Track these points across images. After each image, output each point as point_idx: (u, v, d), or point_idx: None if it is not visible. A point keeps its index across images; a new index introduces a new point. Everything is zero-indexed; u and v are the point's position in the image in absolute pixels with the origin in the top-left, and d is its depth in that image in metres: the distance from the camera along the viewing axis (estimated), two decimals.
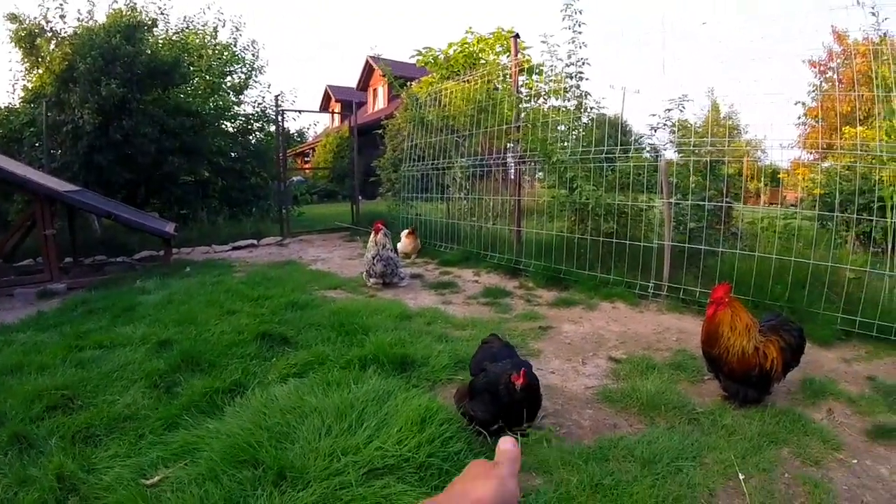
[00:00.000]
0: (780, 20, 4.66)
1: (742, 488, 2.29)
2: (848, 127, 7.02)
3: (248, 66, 14.64)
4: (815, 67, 8.66)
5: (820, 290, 4.43)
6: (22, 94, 11.29)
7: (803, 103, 8.50)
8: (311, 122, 57.49)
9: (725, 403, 3.07)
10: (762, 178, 5.83)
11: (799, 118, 9.10)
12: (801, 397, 3.20)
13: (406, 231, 8.21)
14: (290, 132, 17.16)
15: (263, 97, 14.76)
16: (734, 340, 2.99)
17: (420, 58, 11.70)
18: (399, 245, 7.76)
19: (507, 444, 0.86)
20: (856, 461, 2.52)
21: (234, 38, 14.51)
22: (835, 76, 8.71)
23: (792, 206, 6.90)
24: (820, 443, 2.65)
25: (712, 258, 5.20)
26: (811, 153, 6.46)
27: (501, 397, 2.42)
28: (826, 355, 3.95)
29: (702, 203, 5.21)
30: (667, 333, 4.42)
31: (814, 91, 8.40)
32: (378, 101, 29.87)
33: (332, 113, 29.43)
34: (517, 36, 7.60)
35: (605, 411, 3.09)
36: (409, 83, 11.53)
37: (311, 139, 32.79)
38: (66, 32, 10.84)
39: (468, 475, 0.79)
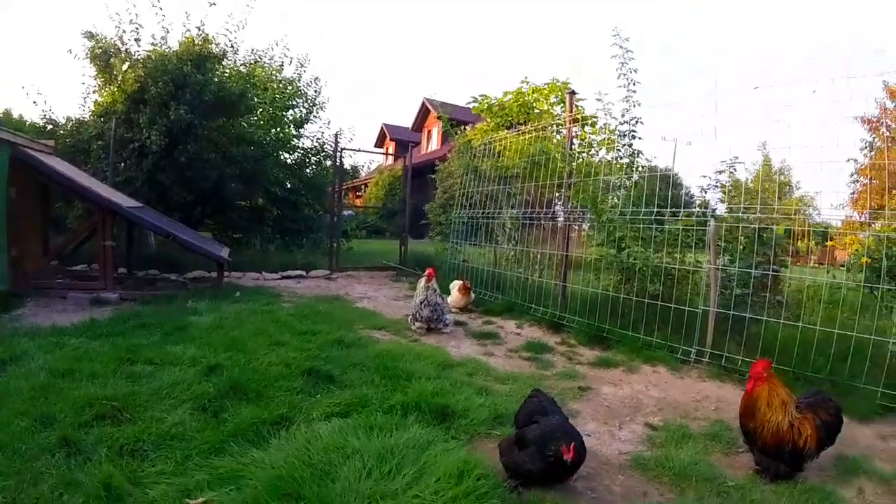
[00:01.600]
0: (835, 80, 4.68)
1: None
2: None
3: (309, 101, 15.16)
4: (867, 125, 8.53)
5: (862, 363, 4.34)
6: (93, 109, 11.77)
7: (855, 160, 8.34)
8: (367, 160, 58.63)
9: (757, 478, 3.04)
10: (811, 237, 5.76)
11: (851, 175, 8.91)
12: (832, 474, 3.14)
13: (458, 283, 7.98)
14: (346, 167, 17.64)
15: (322, 132, 15.27)
16: (770, 416, 3.01)
17: (476, 105, 12.04)
18: (450, 299, 7.59)
19: None
20: None
21: (299, 74, 15.09)
22: (886, 132, 8.56)
23: (841, 266, 6.77)
24: None
25: (756, 326, 5.14)
26: (861, 214, 6.35)
27: (548, 459, 2.56)
28: (863, 431, 3.86)
29: (748, 270, 5.21)
30: (705, 402, 4.40)
31: (865, 147, 8.25)
32: (432, 142, 30.50)
33: (387, 153, 30.11)
34: (573, 92, 7.78)
35: (636, 478, 3.10)
36: (463, 127, 11.84)
37: (363, 175, 33.55)
38: (139, 55, 11.37)
39: None
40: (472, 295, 8.05)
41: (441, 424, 3.43)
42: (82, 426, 3.09)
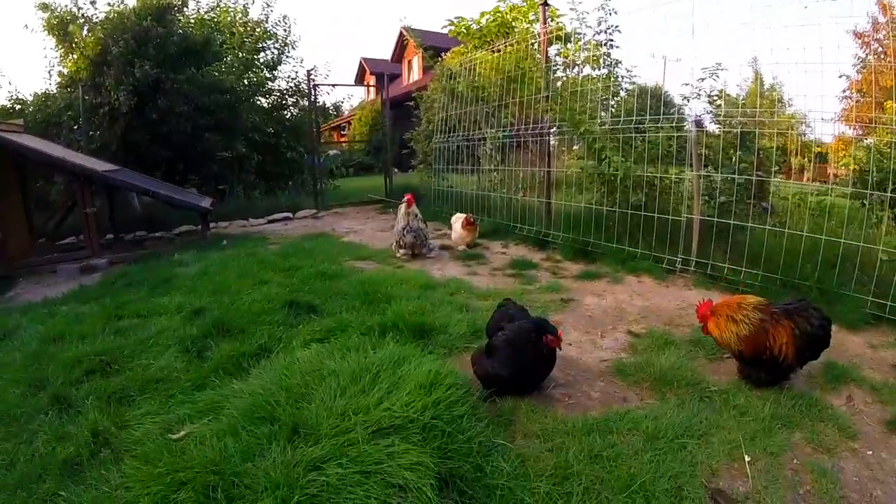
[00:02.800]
0: None
1: (746, 470, 2.28)
2: (891, 102, 6.71)
3: (280, 41, 14.68)
4: (859, 39, 8.26)
5: (851, 272, 4.22)
6: (58, 80, 11.56)
7: (847, 76, 8.13)
8: (346, 96, 57.47)
9: (741, 383, 3.02)
10: (805, 154, 5.64)
11: (843, 91, 8.70)
12: (820, 381, 3.08)
13: (460, 217, 7.06)
14: (326, 106, 17.26)
15: (297, 72, 14.77)
16: (725, 335, 3.00)
17: (452, 28, 11.62)
18: (454, 235, 6.98)
19: None
20: (871, 452, 2.42)
21: (266, 15, 14.56)
22: (879, 48, 8.31)
23: (835, 183, 6.68)
24: (835, 430, 2.56)
25: (742, 234, 5.07)
26: (853, 128, 6.19)
27: (522, 352, 2.65)
28: (852, 339, 3.78)
29: (732, 176, 5.10)
30: (690, 310, 4.31)
31: (858, 64, 8.01)
32: (413, 72, 29.72)
33: (367, 86, 29.42)
34: (546, 3, 7.47)
35: (616, 384, 3.10)
36: (442, 54, 11.46)
37: (347, 112, 32.89)
38: (97, 17, 11.05)
39: None
40: (479, 228, 7.26)
41: (419, 342, 3.44)
42: (73, 383, 3.17)
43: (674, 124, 5.67)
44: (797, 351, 2.83)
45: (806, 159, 5.83)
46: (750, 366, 2.99)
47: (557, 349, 2.81)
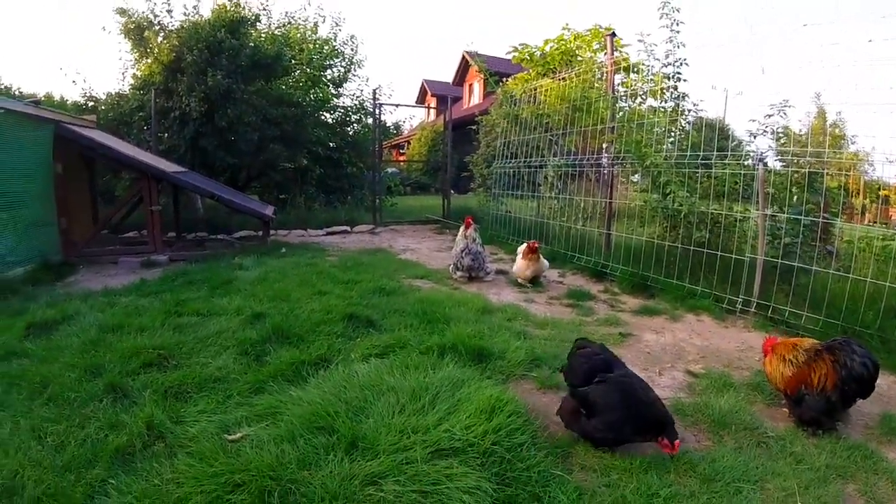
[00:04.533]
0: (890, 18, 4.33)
1: None
2: None
3: (347, 60, 15.18)
4: None
5: None
6: (131, 82, 12.13)
7: None
8: (407, 116, 58.44)
9: (798, 430, 2.96)
10: (867, 194, 5.48)
11: None
12: (877, 433, 2.99)
13: (523, 247, 6.40)
14: (387, 125, 17.70)
15: (361, 90, 15.36)
16: (775, 372, 3.12)
17: (516, 54, 11.75)
18: (515, 267, 6.42)
19: None
20: None
21: (335, 34, 15.12)
22: None
23: None
24: (889, 483, 2.49)
25: (805, 276, 4.95)
26: None
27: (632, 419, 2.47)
28: None
29: (798, 217, 4.99)
30: (750, 352, 4.27)
31: None
32: (474, 96, 30.04)
33: (428, 108, 29.82)
34: (613, 34, 7.52)
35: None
36: (504, 79, 11.59)
37: (406, 132, 33.43)
38: (173, 26, 11.60)
39: None
40: (544, 262, 6.41)
41: (477, 365, 3.48)
42: (129, 374, 3.27)
43: (740, 161, 5.60)
44: (838, 384, 2.82)
45: (868, 200, 5.65)
46: (796, 404, 3.00)
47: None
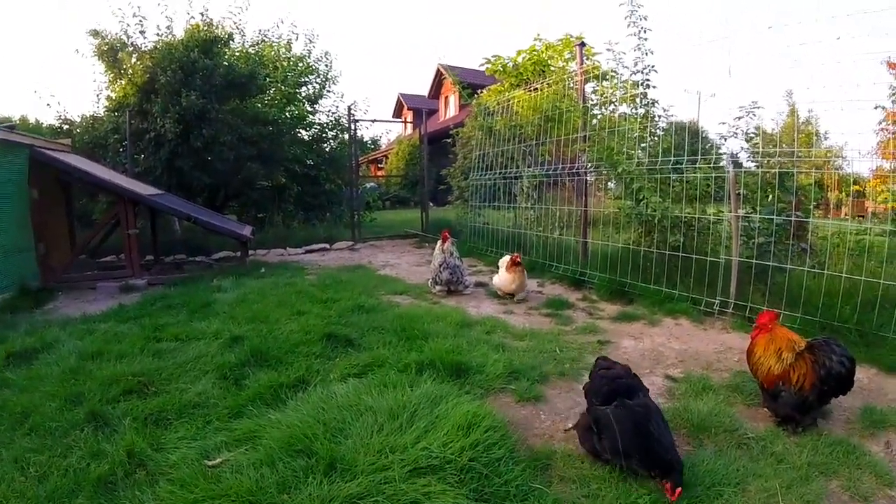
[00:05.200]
0: (856, 17, 4.43)
1: None
2: None
3: (322, 76, 15.20)
4: (894, 69, 8.10)
5: (891, 312, 4.14)
6: (106, 104, 12.04)
7: (883, 107, 7.96)
8: (384, 130, 58.49)
9: (779, 430, 2.97)
10: (842, 189, 5.55)
11: (879, 123, 8.48)
12: (858, 427, 3.02)
13: (506, 259, 6.23)
14: (364, 140, 17.72)
15: (337, 106, 15.35)
16: (763, 361, 3.07)
17: (489, 66, 11.81)
18: (497, 279, 6.25)
19: None
20: None
21: (308, 50, 15.11)
22: None
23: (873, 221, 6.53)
24: (872, 477, 2.50)
25: (781, 275, 5.00)
26: (891, 162, 6.07)
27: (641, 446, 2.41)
28: (892, 383, 3.67)
29: (771, 217, 5.05)
30: (728, 353, 4.30)
31: (894, 94, 7.82)
32: (449, 109, 30.21)
33: (405, 122, 29.94)
34: (583, 44, 7.60)
35: None
36: (479, 91, 11.66)
37: (384, 146, 33.48)
38: (146, 47, 11.56)
39: None
40: (524, 275, 6.23)
41: (455, 381, 3.46)
42: (109, 401, 3.24)
43: (711, 164, 5.67)
44: (816, 384, 2.85)
45: (843, 194, 5.73)
46: (771, 398, 3.04)
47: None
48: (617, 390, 2.66)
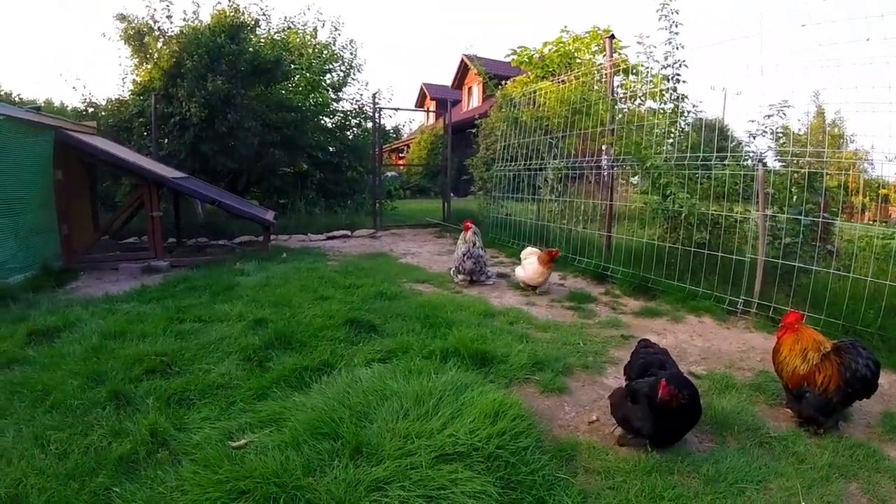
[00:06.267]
0: (889, 18, 4.34)
1: None
2: None
3: (346, 64, 15.23)
4: None
5: None
6: (131, 87, 12.18)
7: None
8: (407, 120, 58.39)
9: (801, 430, 2.96)
10: (867, 193, 5.47)
11: None
12: (878, 431, 3.01)
13: (533, 251, 6.34)
14: (387, 129, 17.72)
15: (361, 94, 15.38)
16: (788, 360, 3.07)
17: (515, 57, 11.75)
18: (523, 272, 6.18)
19: None
20: None
21: (334, 38, 15.16)
22: None
23: None
24: (891, 481, 2.49)
25: (806, 276, 4.95)
26: None
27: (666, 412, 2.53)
28: None
29: (798, 217, 5.00)
30: (751, 353, 4.28)
31: None
32: (473, 99, 30.07)
33: (428, 111, 29.88)
34: (612, 36, 7.52)
35: None
36: (503, 82, 11.60)
37: (406, 136, 33.47)
38: (172, 31, 11.65)
39: None
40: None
41: (480, 369, 3.48)
42: (132, 381, 3.25)
43: (739, 161, 5.61)
44: (841, 386, 2.84)
45: (868, 199, 5.64)
46: (795, 399, 3.04)
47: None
48: (650, 363, 2.90)
